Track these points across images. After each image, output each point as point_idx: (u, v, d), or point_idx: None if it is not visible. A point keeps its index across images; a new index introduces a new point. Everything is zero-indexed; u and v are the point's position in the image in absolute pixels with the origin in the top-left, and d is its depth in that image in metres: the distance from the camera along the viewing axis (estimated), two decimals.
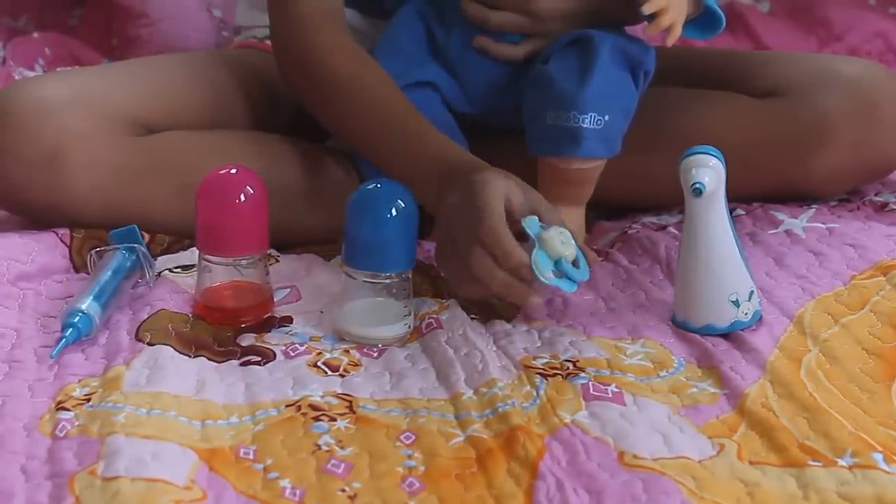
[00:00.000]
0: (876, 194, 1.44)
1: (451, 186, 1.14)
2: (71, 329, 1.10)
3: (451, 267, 1.13)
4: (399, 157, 1.22)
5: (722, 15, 1.28)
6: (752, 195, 1.40)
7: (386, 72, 1.29)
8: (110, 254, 1.21)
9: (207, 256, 1.16)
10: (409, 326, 1.14)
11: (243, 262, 1.16)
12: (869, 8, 2.13)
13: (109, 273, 1.18)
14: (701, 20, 1.29)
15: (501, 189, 1.10)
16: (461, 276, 1.11)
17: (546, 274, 1.06)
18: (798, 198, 1.41)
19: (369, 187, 1.14)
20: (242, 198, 1.14)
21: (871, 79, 1.40)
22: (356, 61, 1.29)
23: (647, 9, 1.22)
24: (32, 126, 1.27)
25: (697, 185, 1.08)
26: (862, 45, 2.05)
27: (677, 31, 1.24)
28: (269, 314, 1.18)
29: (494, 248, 1.07)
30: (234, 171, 1.16)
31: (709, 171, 1.09)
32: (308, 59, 1.30)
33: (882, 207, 1.40)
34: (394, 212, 1.11)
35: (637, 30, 1.33)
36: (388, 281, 1.13)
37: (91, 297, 1.13)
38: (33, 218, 1.32)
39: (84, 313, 1.11)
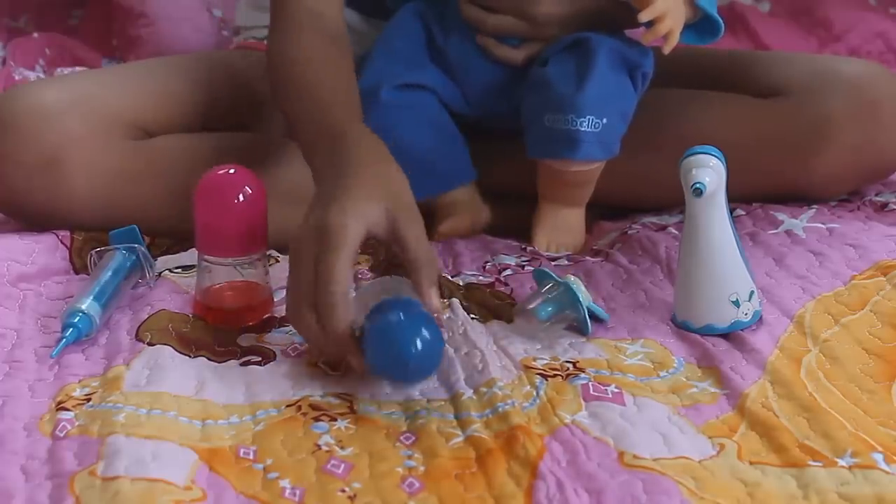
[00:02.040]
0: (876, 194, 1.44)
1: (323, 177, 1.09)
2: (71, 329, 1.10)
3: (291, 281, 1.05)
4: (308, 124, 1.18)
5: (720, 21, 1.28)
6: (752, 195, 1.39)
7: (339, 62, 1.25)
8: (110, 254, 1.21)
9: (207, 257, 1.16)
10: None
11: (243, 262, 1.16)
12: (869, 8, 2.13)
13: (109, 273, 1.18)
14: (700, 25, 1.29)
15: (358, 232, 1.01)
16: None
17: (586, 303, 1.12)
18: (799, 198, 1.41)
19: None
20: (241, 198, 1.14)
21: (872, 79, 1.39)
22: (309, 52, 1.25)
23: (644, 17, 1.21)
24: (32, 131, 1.28)
25: (698, 186, 1.08)
26: (862, 45, 2.04)
27: (675, 37, 1.24)
28: (269, 314, 1.17)
29: (323, 313, 1.01)
30: (232, 171, 1.16)
31: (709, 172, 1.09)
32: (274, 55, 1.28)
33: (882, 207, 1.40)
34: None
35: (636, 33, 1.33)
36: None
37: (91, 298, 1.13)
38: (33, 222, 1.32)
39: (84, 313, 1.11)
